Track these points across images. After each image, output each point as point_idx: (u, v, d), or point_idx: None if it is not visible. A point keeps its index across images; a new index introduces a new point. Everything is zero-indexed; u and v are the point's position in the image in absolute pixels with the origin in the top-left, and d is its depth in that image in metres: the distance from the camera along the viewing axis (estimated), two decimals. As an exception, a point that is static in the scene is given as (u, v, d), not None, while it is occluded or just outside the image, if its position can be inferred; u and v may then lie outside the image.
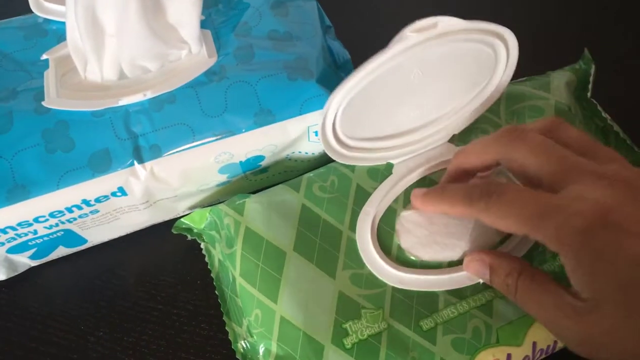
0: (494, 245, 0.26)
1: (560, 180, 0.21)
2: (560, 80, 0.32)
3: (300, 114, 0.28)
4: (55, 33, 0.30)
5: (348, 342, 0.24)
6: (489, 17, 0.25)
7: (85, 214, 0.28)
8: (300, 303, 0.24)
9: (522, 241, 0.26)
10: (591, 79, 0.33)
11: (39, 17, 0.31)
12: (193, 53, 0.29)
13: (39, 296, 0.30)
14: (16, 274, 0.30)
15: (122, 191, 0.27)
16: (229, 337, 0.26)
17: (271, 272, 0.25)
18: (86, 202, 0.27)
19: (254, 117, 0.28)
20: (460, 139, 0.30)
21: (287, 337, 0.24)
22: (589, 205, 0.20)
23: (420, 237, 0.26)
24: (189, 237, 0.29)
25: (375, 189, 0.28)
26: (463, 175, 0.26)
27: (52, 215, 0.27)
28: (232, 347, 0.26)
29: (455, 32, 0.24)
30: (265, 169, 0.31)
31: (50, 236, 0.28)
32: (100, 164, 0.26)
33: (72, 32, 0.27)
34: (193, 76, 0.28)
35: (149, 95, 0.28)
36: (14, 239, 0.27)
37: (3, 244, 0.27)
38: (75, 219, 0.28)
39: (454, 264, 0.26)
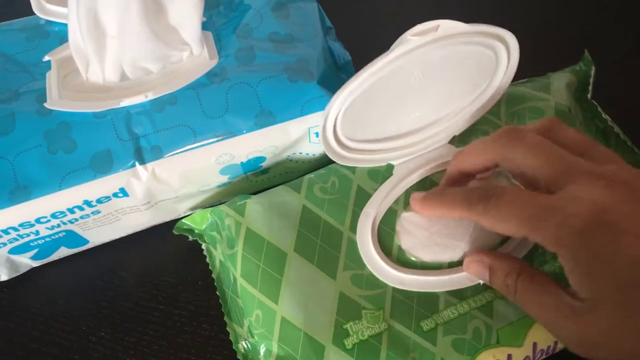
0: (494, 246, 0.26)
1: (558, 180, 0.21)
2: (560, 81, 0.32)
3: (301, 115, 0.28)
4: (57, 35, 0.31)
5: (349, 342, 0.24)
6: (489, 17, 0.25)
7: (87, 214, 0.28)
8: (301, 304, 0.24)
9: (523, 242, 0.26)
10: (591, 80, 0.33)
11: (40, 18, 0.31)
12: (194, 55, 0.29)
13: (41, 297, 0.30)
14: (18, 274, 0.30)
15: (123, 192, 0.27)
16: (230, 338, 0.26)
17: (272, 273, 0.25)
18: (88, 203, 0.27)
19: (255, 119, 0.28)
20: (460, 140, 0.30)
21: (288, 338, 0.24)
22: (587, 206, 0.20)
23: (421, 238, 0.26)
24: (190, 238, 0.29)
25: (375, 190, 0.28)
26: (462, 178, 0.26)
27: (53, 216, 0.27)
28: (233, 347, 0.26)
29: (456, 35, 0.24)
30: (266, 170, 0.31)
31: (52, 237, 0.28)
32: (101, 165, 0.26)
33: (74, 34, 0.27)
34: (194, 77, 0.28)
35: (151, 96, 0.28)
36: (16, 239, 0.27)
37: (5, 244, 0.27)
38: (76, 219, 0.28)
39: (455, 265, 0.26)
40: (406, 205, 0.28)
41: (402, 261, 0.26)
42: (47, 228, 0.27)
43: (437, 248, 0.26)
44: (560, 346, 0.25)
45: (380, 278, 0.25)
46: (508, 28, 0.26)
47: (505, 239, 0.27)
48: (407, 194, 0.28)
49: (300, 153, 0.31)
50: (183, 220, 0.28)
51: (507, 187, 0.25)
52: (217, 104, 0.28)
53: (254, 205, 0.27)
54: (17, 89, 0.28)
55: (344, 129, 0.26)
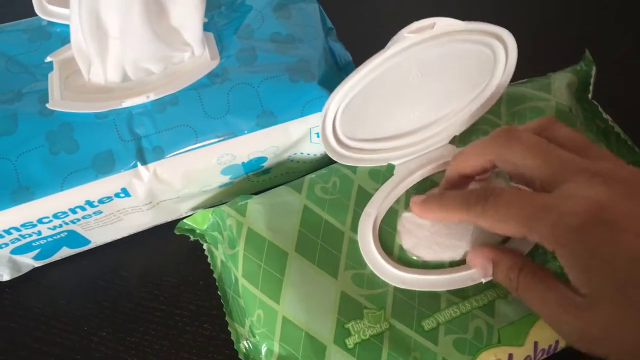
0: (495, 245, 0.26)
1: (555, 179, 0.21)
2: (561, 81, 0.32)
3: (302, 116, 0.29)
4: (59, 36, 0.31)
5: (350, 342, 0.24)
6: (489, 18, 0.25)
7: (89, 215, 0.28)
8: (302, 303, 0.24)
9: (523, 242, 0.26)
10: (592, 80, 0.33)
11: (42, 19, 0.31)
12: (196, 55, 0.29)
13: (43, 297, 0.30)
14: (20, 274, 0.31)
15: (125, 192, 0.27)
16: (232, 337, 0.26)
17: (273, 273, 0.25)
18: (90, 203, 0.27)
19: (256, 119, 0.28)
20: (461, 140, 0.30)
21: (289, 337, 0.24)
22: (583, 203, 0.20)
23: (422, 238, 0.27)
24: (192, 238, 0.29)
25: (376, 190, 0.28)
26: (461, 180, 0.26)
27: (55, 216, 0.27)
28: (235, 347, 0.26)
29: (453, 33, 0.25)
30: (267, 170, 0.31)
31: (54, 237, 0.28)
32: (103, 165, 0.26)
33: (76, 35, 0.27)
34: (196, 78, 0.29)
35: (152, 97, 0.28)
36: (18, 239, 0.27)
37: (7, 244, 0.27)
38: (78, 220, 0.28)
39: (456, 264, 0.26)
40: (407, 205, 0.28)
41: (404, 261, 0.26)
42: (49, 228, 0.27)
43: (438, 247, 0.26)
44: (561, 345, 0.25)
45: (382, 277, 0.26)
46: (508, 28, 0.26)
47: (506, 239, 0.27)
48: (408, 194, 0.28)
49: (302, 153, 0.31)
50: (184, 220, 0.28)
51: (504, 187, 0.25)
52: (218, 105, 0.28)
53: (255, 205, 0.27)
54: (19, 89, 0.28)
55: (344, 127, 0.27)
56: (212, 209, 0.27)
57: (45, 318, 0.30)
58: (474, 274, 0.25)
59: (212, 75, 0.29)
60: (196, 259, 0.30)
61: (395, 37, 0.24)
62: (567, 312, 0.20)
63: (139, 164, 0.27)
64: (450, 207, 0.24)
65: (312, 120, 0.29)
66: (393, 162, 0.29)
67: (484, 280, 0.25)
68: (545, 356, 0.25)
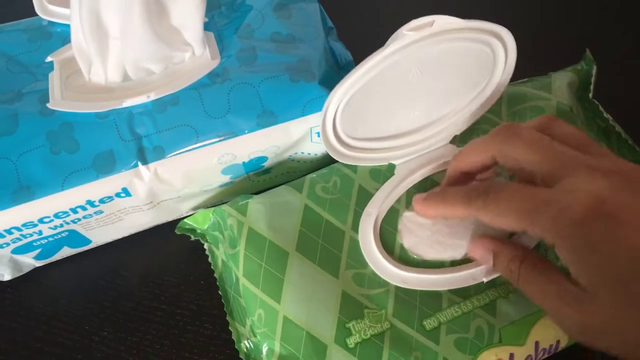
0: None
1: (556, 174, 0.21)
2: (561, 81, 0.32)
3: (303, 115, 0.29)
4: (59, 35, 0.31)
5: (351, 341, 0.24)
6: (490, 18, 0.25)
7: (90, 214, 0.28)
8: (303, 303, 0.24)
9: (527, 239, 0.26)
10: (593, 79, 0.33)
11: (43, 19, 0.31)
12: (196, 55, 0.29)
13: (44, 296, 0.30)
14: (21, 274, 0.31)
15: (126, 192, 0.27)
16: (233, 337, 0.26)
17: (274, 273, 0.25)
18: (90, 203, 0.27)
19: (257, 119, 0.28)
20: (462, 140, 0.30)
21: (290, 337, 0.24)
22: (584, 197, 0.20)
23: (423, 237, 0.27)
24: (193, 238, 0.29)
25: (377, 189, 0.28)
26: (463, 178, 0.26)
27: (56, 216, 0.27)
28: (236, 346, 0.26)
29: (452, 31, 0.25)
30: (268, 170, 0.31)
31: (55, 237, 0.28)
32: (104, 165, 0.26)
33: (76, 35, 0.27)
34: (196, 78, 0.29)
35: (153, 97, 0.28)
36: (19, 239, 0.27)
37: (8, 244, 0.27)
38: (79, 219, 0.28)
39: (457, 264, 0.26)
40: (408, 205, 0.28)
41: (405, 260, 0.26)
42: (50, 228, 0.27)
43: (439, 247, 0.26)
44: (562, 345, 0.25)
45: (383, 277, 0.26)
46: (508, 28, 0.26)
47: (508, 237, 0.27)
48: (409, 193, 0.28)
49: (302, 153, 0.31)
50: (185, 220, 0.28)
51: (506, 182, 0.25)
52: (219, 104, 0.28)
53: (256, 205, 0.27)
54: (19, 89, 0.28)
55: (344, 126, 0.27)
56: (212, 208, 0.27)
57: (46, 318, 0.30)
58: (476, 274, 0.25)
59: (213, 75, 0.29)
60: (197, 258, 0.30)
61: (394, 35, 0.24)
62: (568, 305, 0.20)
63: (139, 163, 0.27)
64: (452, 201, 0.24)
65: (313, 120, 0.29)
66: (394, 162, 0.29)
67: (485, 280, 0.25)
68: (546, 356, 0.25)
